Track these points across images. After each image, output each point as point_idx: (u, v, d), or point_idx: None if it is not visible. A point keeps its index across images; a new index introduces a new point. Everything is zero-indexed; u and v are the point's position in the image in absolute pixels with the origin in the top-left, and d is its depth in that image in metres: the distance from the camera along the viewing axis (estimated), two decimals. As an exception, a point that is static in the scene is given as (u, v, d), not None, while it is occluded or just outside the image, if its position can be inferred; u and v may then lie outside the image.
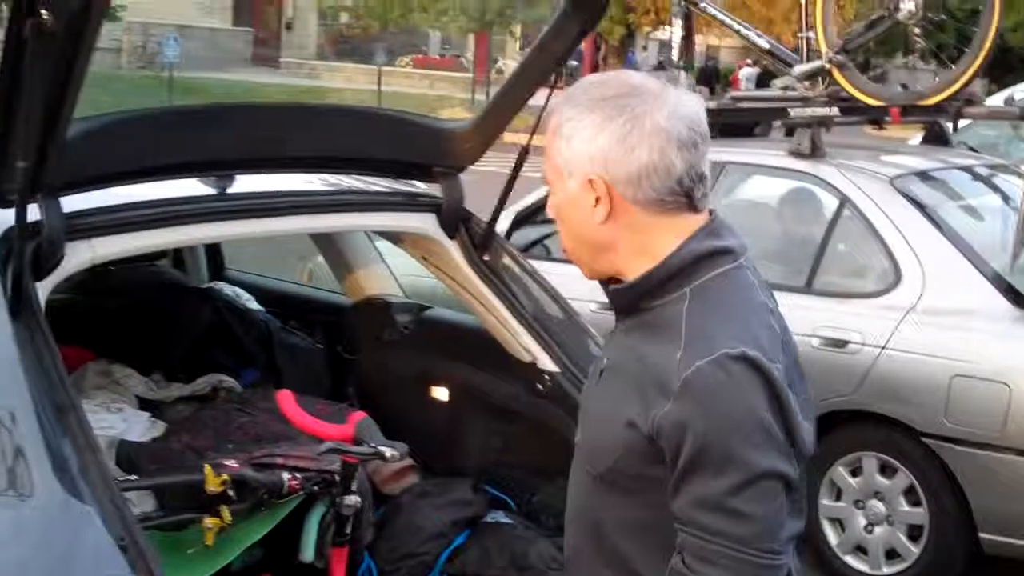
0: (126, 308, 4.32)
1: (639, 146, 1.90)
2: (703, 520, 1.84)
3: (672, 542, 1.90)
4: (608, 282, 2.08)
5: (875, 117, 6.05)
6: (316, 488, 3.16)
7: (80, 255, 2.81)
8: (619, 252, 1.99)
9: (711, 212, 2.02)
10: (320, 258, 6.83)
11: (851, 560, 5.25)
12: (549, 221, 6.44)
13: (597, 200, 1.95)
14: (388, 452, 3.03)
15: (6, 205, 2.58)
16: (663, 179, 1.92)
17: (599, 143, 1.92)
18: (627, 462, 1.93)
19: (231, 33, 43.60)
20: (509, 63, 44.64)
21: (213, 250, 5.05)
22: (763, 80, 30.69)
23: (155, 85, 25.20)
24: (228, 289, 4.62)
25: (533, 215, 6.21)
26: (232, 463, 3.10)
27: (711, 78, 32.73)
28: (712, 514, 1.83)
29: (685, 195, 1.94)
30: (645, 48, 45.34)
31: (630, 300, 2.00)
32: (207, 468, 3.04)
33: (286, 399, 3.19)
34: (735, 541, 1.82)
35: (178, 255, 4.92)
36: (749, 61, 35.70)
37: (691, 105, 1.95)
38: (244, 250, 5.61)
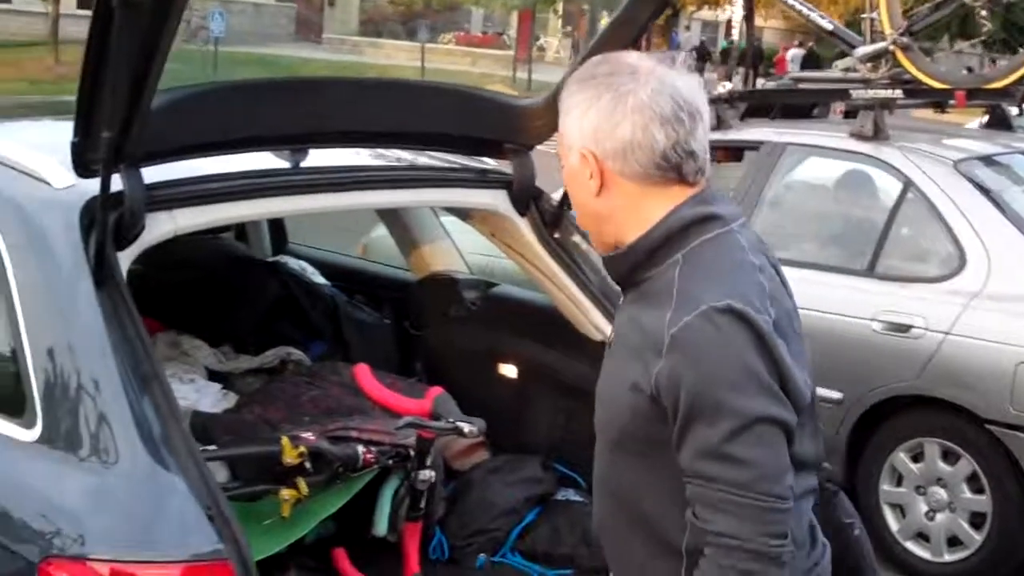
0: (193, 280, 4.34)
1: (623, 122, 1.99)
2: (704, 469, 1.90)
3: (679, 506, 1.97)
4: None
5: (939, 100, 5.98)
6: (391, 462, 3.18)
7: (161, 226, 2.83)
8: (616, 223, 2.08)
9: (706, 183, 2.09)
10: (375, 232, 6.88)
11: (912, 546, 5.21)
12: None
13: (591, 174, 2.04)
14: (466, 428, 3.03)
15: (90, 175, 2.60)
16: (647, 154, 2.00)
17: (589, 119, 2.02)
18: (635, 425, 2.00)
19: (275, 8, 43.72)
20: (551, 41, 44.62)
21: (276, 224, 5.07)
22: (808, 61, 30.48)
23: (199, 59, 25.31)
24: (293, 263, 4.63)
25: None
26: (308, 435, 3.12)
27: (755, 59, 32.47)
28: (711, 462, 1.89)
29: (673, 169, 2.02)
30: (688, 28, 45.12)
31: (625, 268, 2.09)
32: (284, 440, 3.05)
33: (363, 373, 3.20)
34: (736, 486, 1.89)
35: (241, 228, 4.94)
36: (797, 42, 35.42)
37: (681, 83, 2.02)
38: (297, 224, 5.62)
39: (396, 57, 36.99)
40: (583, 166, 2.04)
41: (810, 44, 33.64)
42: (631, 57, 2.07)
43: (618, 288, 3.51)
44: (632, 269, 2.07)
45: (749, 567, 1.89)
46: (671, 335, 1.91)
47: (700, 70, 38.01)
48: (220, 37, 27.53)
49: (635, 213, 2.05)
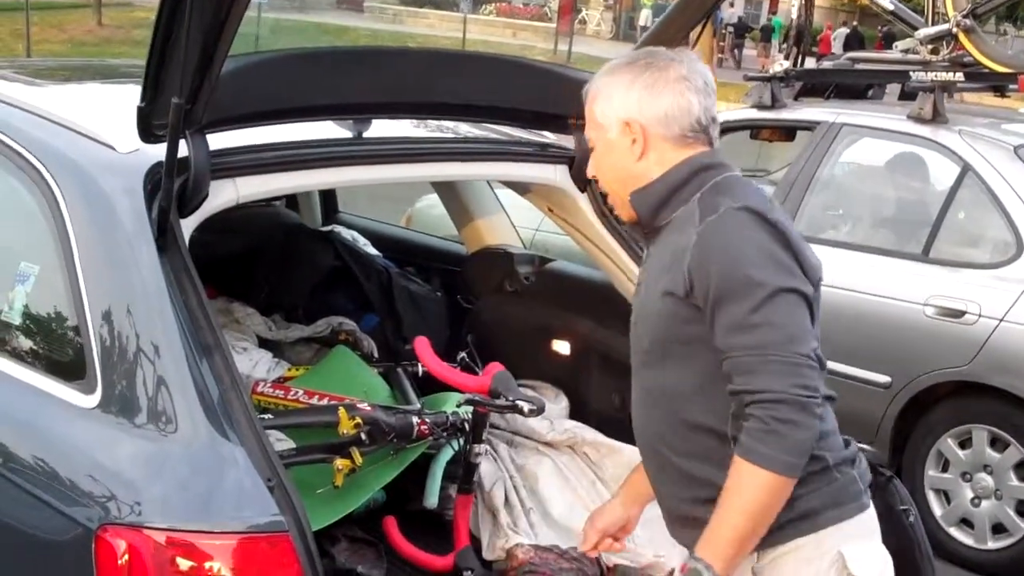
0: (246, 248, 4.33)
1: (665, 91, 2.35)
2: (736, 341, 2.18)
3: (724, 394, 2.22)
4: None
5: (999, 84, 5.89)
6: (445, 434, 3.16)
7: (225, 194, 2.81)
8: (648, 182, 2.37)
9: None
10: (420, 203, 6.86)
11: (956, 532, 5.18)
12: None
13: (634, 140, 2.36)
14: (526, 407, 3.01)
15: (156, 140, 2.58)
16: (686, 117, 2.35)
17: (633, 93, 2.36)
18: (669, 328, 2.30)
19: (317, -25, 43.60)
20: (593, 14, 44.36)
21: (327, 193, 5.05)
22: (851, 40, 30.19)
23: (243, 26, 25.31)
24: (346, 233, 4.61)
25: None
26: (365, 406, 3.10)
27: (803, 36, 32.22)
28: (742, 333, 2.17)
29: (704, 132, 2.38)
30: (732, 5, 44.73)
31: (653, 202, 2.37)
32: (341, 410, 3.04)
33: (423, 346, 3.17)
34: (763, 347, 2.15)
35: (292, 197, 4.92)
36: (843, 22, 35.09)
37: (702, 66, 2.41)
38: (344, 193, 5.60)
39: (437, 27, 36.90)
40: (624, 135, 2.37)
41: (854, 23, 33.38)
42: (657, 48, 2.47)
43: None
44: (656, 206, 2.36)
45: (787, 416, 2.13)
46: (698, 233, 2.23)
47: (739, 47, 37.91)
48: (263, 3, 27.49)
49: (647, 175, 2.37)
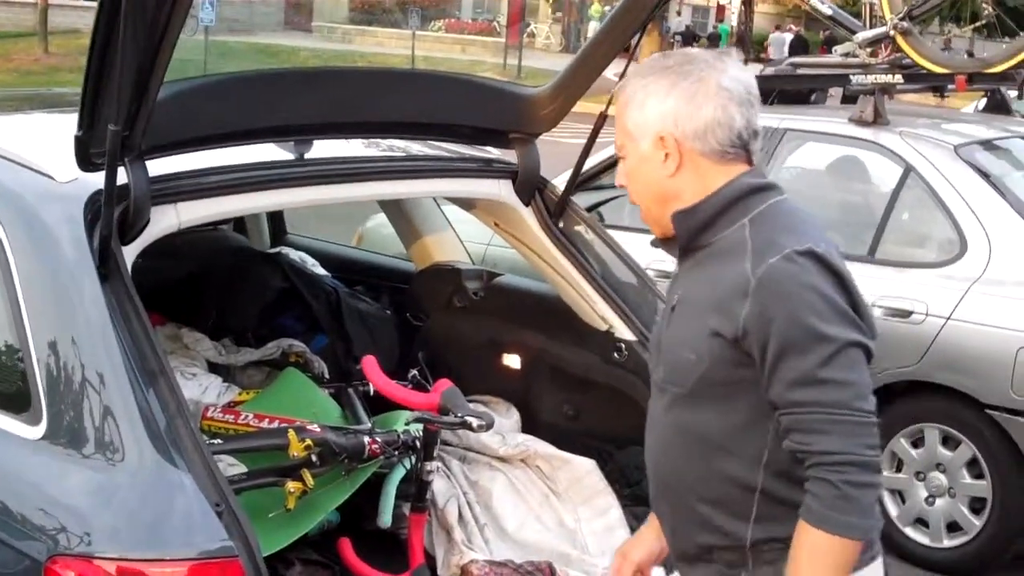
0: (193, 273, 4.32)
1: (705, 104, 2.17)
2: (800, 397, 2.06)
3: (761, 440, 2.14)
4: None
5: (939, 85, 5.96)
6: (396, 453, 3.16)
7: (166, 219, 2.81)
8: (684, 200, 2.22)
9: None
10: (371, 222, 6.86)
11: (911, 532, 5.21)
12: (606, 188, 6.48)
13: (667, 155, 2.20)
14: (475, 422, 3.02)
15: (94, 169, 2.58)
16: (726, 132, 2.18)
17: (669, 103, 2.18)
18: (714, 370, 2.15)
19: (264, -4, 43.44)
20: (541, 27, 44.46)
21: (275, 215, 5.04)
22: (797, 46, 30.46)
23: (190, 48, 25.15)
24: (294, 254, 4.61)
25: (587, 182, 6.16)
26: (315, 428, 3.10)
27: (745, 43, 32.51)
28: (807, 388, 2.05)
29: (743, 147, 2.21)
30: (679, 13, 45.04)
31: (694, 225, 2.21)
32: (291, 432, 3.03)
33: (371, 366, 3.17)
34: (832, 406, 2.04)
35: (240, 220, 4.91)
36: (788, 27, 35.37)
37: (744, 74, 2.23)
38: (293, 214, 5.59)
39: (386, 45, 36.85)
40: (658, 148, 2.20)
41: (797, 29, 33.61)
42: (695, 52, 2.28)
43: (627, 280, 3.55)
44: (699, 229, 2.21)
45: (859, 478, 2.04)
46: (757, 278, 2.08)
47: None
48: (211, 26, 27.37)
49: (704, 189, 2.21)
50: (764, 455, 2.15)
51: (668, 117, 2.18)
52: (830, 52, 7.81)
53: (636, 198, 2.29)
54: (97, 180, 2.54)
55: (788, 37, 33.27)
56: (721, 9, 43.68)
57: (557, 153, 3.86)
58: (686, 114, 2.17)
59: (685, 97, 2.17)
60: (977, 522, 5.04)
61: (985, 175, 5.31)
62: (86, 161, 2.57)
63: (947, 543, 5.14)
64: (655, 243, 2.37)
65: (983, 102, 6.69)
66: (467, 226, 4.50)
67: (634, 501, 3.59)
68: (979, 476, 5.04)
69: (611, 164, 6.36)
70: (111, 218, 2.55)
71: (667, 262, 5.54)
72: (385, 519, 3.27)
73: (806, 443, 2.06)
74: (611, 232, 3.80)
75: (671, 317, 2.28)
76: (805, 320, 2.05)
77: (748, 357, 2.11)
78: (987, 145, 5.73)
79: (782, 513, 2.15)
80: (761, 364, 2.09)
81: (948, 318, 5.01)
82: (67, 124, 2.61)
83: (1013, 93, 6.26)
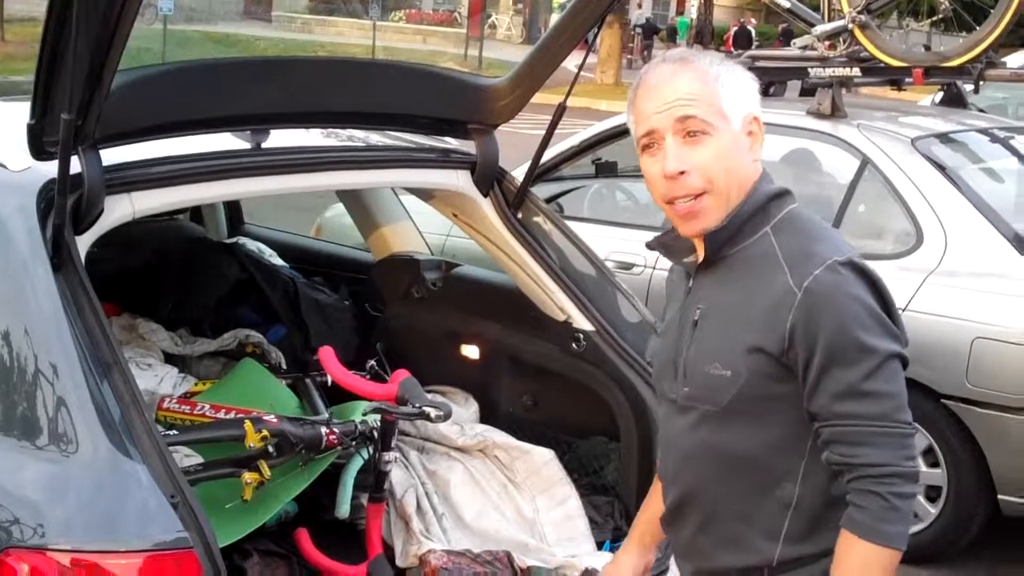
0: (149, 263, 4.29)
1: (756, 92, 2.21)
2: (845, 409, 2.05)
3: (797, 455, 2.13)
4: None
5: (896, 78, 6.00)
6: (354, 443, 3.15)
7: (120, 209, 2.79)
8: (745, 189, 2.17)
9: None
10: (330, 212, 6.84)
11: (868, 520, 5.24)
12: (565, 179, 6.49)
13: (754, 138, 2.17)
14: (432, 412, 3.01)
15: (47, 157, 2.55)
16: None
17: (754, 86, 2.19)
18: (752, 386, 2.12)
19: (223, -15, 43.16)
20: (502, 18, 44.45)
21: (232, 205, 5.01)
22: (739, 38, 30.62)
23: (148, 36, 24.97)
24: (251, 244, 4.58)
25: (546, 173, 6.16)
26: (271, 418, 3.08)
27: (704, 36, 32.67)
28: (852, 401, 2.05)
29: None
30: (640, 6, 45.12)
31: (723, 239, 2.17)
32: (247, 423, 3.02)
33: (328, 356, 3.16)
34: (876, 418, 2.05)
35: (197, 210, 4.88)
36: (753, 21, 35.53)
37: None
38: (251, 205, 5.57)
39: (347, 35, 36.72)
40: (751, 131, 2.17)
41: (743, 20, 33.75)
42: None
43: (586, 271, 3.56)
44: (726, 241, 2.17)
45: (902, 489, 2.05)
46: (804, 289, 2.06)
47: (648, 47, 38.25)
48: (169, 15, 27.18)
49: (749, 177, 2.18)
50: (800, 471, 2.15)
51: (756, 103, 2.18)
52: (787, 45, 7.86)
53: (716, 183, 2.13)
54: (50, 169, 2.52)
55: (751, 31, 33.54)
56: (681, 2, 43.81)
57: (516, 144, 3.87)
58: (757, 100, 2.19)
59: (752, 83, 2.20)
60: (933, 510, 5.09)
61: (941, 168, 5.34)
62: (39, 150, 2.55)
63: (903, 531, 5.17)
64: (654, 246, 2.34)
65: (939, 96, 6.74)
66: (427, 217, 4.49)
67: (592, 491, 3.61)
68: (934, 465, 5.07)
69: (570, 156, 6.39)
70: (64, 207, 2.53)
71: (627, 254, 5.65)
72: (343, 510, 3.26)
73: (851, 455, 2.06)
74: (570, 223, 3.81)
75: (694, 332, 2.21)
76: (851, 332, 2.04)
77: (788, 372, 2.10)
78: (943, 138, 5.77)
79: (811, 531, 2.16)
80: (804, 376, 2.08)
81: (904, 309, 5.02)
82: (20, 113, 2.59)
83: (969, 87, 6.30)
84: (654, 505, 2.51)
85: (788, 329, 2.07)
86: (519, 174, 3.74)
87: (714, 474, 2.22)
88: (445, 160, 3.52)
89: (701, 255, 2.22)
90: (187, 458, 3.15)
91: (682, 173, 2.13)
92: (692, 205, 2.14)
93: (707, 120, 2.12)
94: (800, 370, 2.08)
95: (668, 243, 2.31)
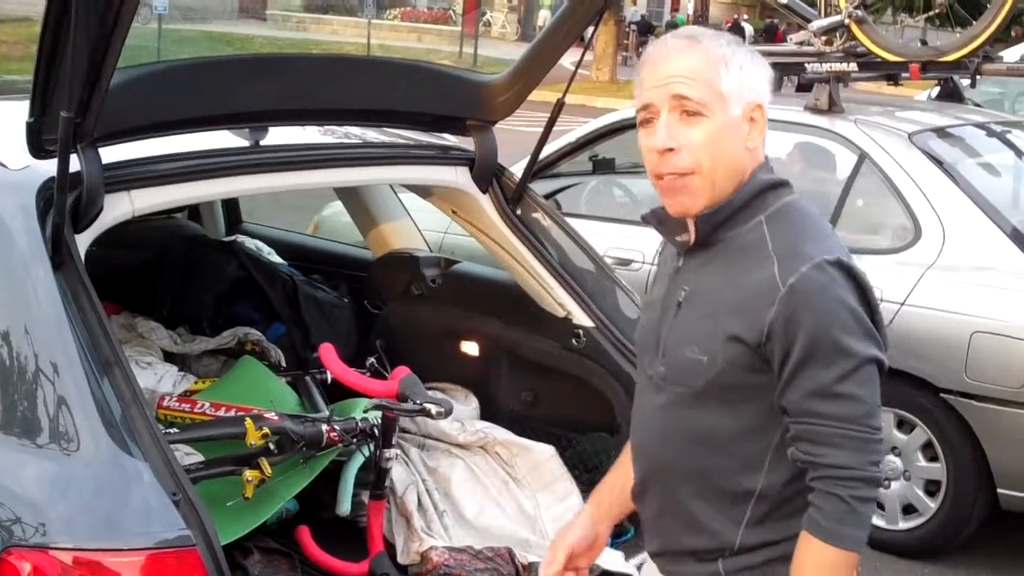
0: (147, 262, 4.29)
1: (767, 77, 2.17)
2: (816, 408, 2.05)
3: (764, 445, 2.13)
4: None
5: (893, 73, 6.00)
6: (355, 440, 3.15)
7: (120, 207, 2.79)
8: (742, 176, 2.16)
9: None
10: (327, 210, 6.84)
11: (867, 515, 5.25)
12: (563, 175, 6.50)
13: (754, 126, 2.15)
14: (433, 409, 3.01)
15: (46, 156, 2.55)
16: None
17: (766, 74, 2.17)
18: (729, 374, 2.12)
19: (218, -16, 43.13)
20: (497, 16, 44.43)
21: (230, 203, 5.00)
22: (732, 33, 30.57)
23: (144, 35, 24.97)
24: (249, 242, 4.58)
25: (544, 169, 6.17)
26: (272, 416, 3.08)
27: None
28: (824, 401, 2.04)
29: None
30: (635, 3, 45.09)
31: (715, 224, 2.16)
32: (248, 421, 3.02)
33: (328, 353, 3.16)
34: (845, 421, 2.04)
35: (195, 208, 4.88)
36: (746, 16, 35.55)
37: None
38: (249, 203, 5.56)
39: (342, 33, 36.73)
40: (750, 117, 2.14)
41: (736, 17, 33.76)
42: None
43: (585, 267, 3.56)
44: (717, 226, 2.16)
45: (863, 493, 2.06)
46: (789, 285, 2.03)
47: (643, 44, 38.20)
48: (164, 14, 27.17)
49: (744, 165, 2.16)
50: (767, 459, 2.14)
51: (760, 86, 2.15)
52: (770, 41, 7.85)
53: (703, 165, 2.12)
54: (49, 168, 2.52)
55: (748, 27, 33.53)
56: (676, -1, 43.83)
57: (514, 141, 3.86)
58: (766, 85, 2.16)
59: (762, 66, 2.16)
60: (932, 504, 5.10)
61: (939, 162, 5.35)
62: (38, 148, 2.54)
63: (903, 525, 5.19)
64: (648, 219, 2.30)
65: (936, 90, 6.74)
66: (425, 214, 4.49)
67: (593, 487, 3.59)
68: (934, 459, 5.09)
69: (567, 152, 6.40)
70: (64, 206, 2.53)
71: (625, 250, 5.65)
72: (344, 507, 3.26)
73: (816, 454, 2.06)
74: (569, 219, 3.81)
75: (677, 313, 2.21)
76: (832, 333, 2.03)
77: (765, 363, 2.09)
78: (940, 133, 5.78)
79: (773, 519, 2.16)
80: (779, 370, 2.07)
81: (903, 303, 5.04)
82: (18, 111, 2.59)
83: (965, 81, 6.30)
84: (617, 473, 2.51)
85: (768, 323, 2.05)
86: (517, 171, 3.75)
87: (683, 452, 2.21)
88: (444, 156, 3.52)
89: (692, 237, 2.21)
90: (188, 456, 3.15)
91: (671, 150, 2.11)
92: (675, 181, 2.14)
93: (703, 101, 2.10)
94: (776, 364, 2.07)
95: (663, 217, 2.27)
